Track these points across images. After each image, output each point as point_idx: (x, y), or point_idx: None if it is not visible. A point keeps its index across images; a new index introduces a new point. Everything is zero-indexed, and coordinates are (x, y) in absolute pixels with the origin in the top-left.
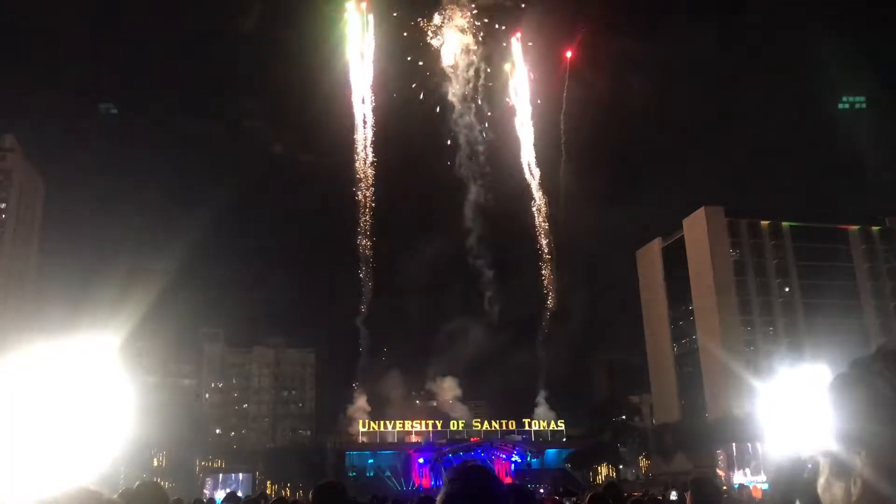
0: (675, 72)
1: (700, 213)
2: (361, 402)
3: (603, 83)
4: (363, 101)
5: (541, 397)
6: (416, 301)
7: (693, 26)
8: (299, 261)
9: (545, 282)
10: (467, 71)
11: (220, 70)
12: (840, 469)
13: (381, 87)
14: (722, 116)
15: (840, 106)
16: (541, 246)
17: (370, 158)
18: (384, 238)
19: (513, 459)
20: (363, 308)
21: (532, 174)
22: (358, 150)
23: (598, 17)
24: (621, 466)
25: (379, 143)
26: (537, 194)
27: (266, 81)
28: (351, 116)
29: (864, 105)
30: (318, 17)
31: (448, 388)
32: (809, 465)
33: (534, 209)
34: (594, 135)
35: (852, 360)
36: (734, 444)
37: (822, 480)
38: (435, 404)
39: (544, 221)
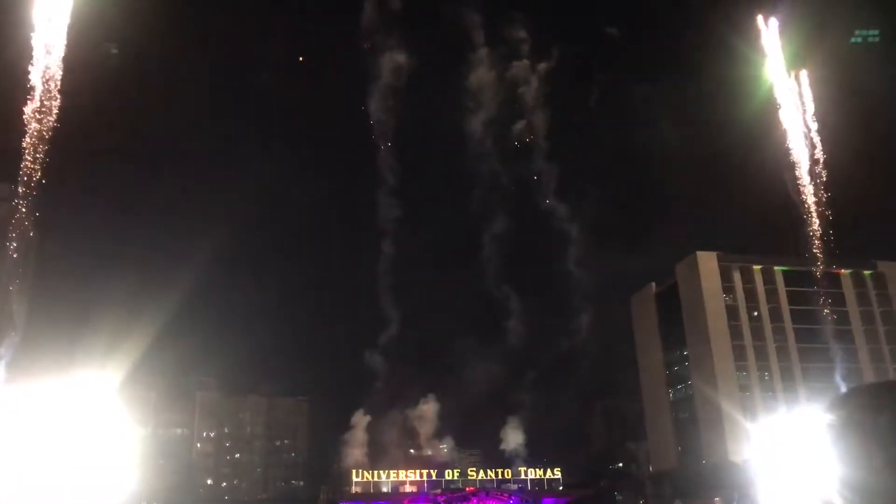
0: (669, 112)
1: (693, 258)
2: (355, 451)
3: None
4: None
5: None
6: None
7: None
8: (294, 308)
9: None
10: None
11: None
12: None
13: None
14: (713, 160)
15: None
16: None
17: None
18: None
19: None
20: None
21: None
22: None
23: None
24: None
25: None
26: None
27: None
28: None
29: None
30: None
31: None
32: None
33: None
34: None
35: (849, 394)
36: (732, 490)
37: None
38: (430, 453)
39: None
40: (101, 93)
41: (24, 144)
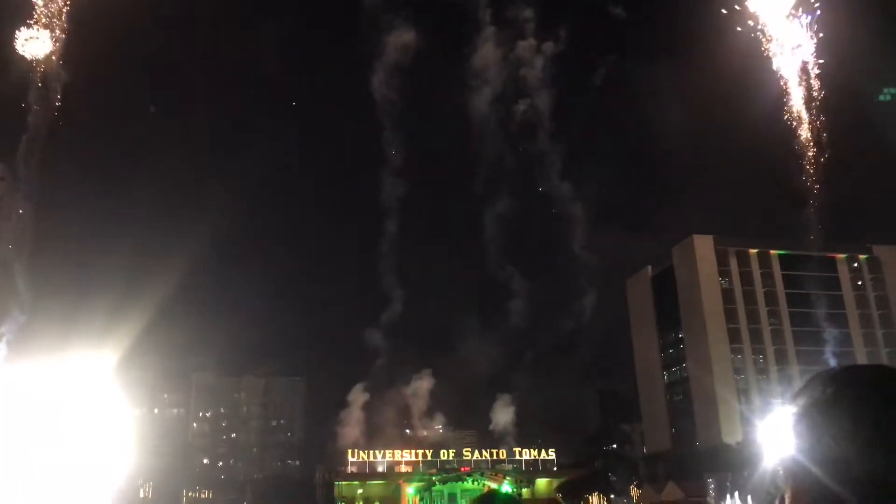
0: (672, 97)
1: (689, 242)
2: (351, 431)
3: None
4: None
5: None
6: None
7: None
8: (292, 289)
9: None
10: None
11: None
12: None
13: None
14: (714, 144)
15: None
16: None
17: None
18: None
19: (503, 489)
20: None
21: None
22: None
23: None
24: (612, 496)
25: None
26: None
27: None
28: None
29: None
30: None
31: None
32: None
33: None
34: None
35: (835, 374)
36: (725, 471)
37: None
38: (425, 433)
39: None
40: (101, 71)
41: (27, 120)
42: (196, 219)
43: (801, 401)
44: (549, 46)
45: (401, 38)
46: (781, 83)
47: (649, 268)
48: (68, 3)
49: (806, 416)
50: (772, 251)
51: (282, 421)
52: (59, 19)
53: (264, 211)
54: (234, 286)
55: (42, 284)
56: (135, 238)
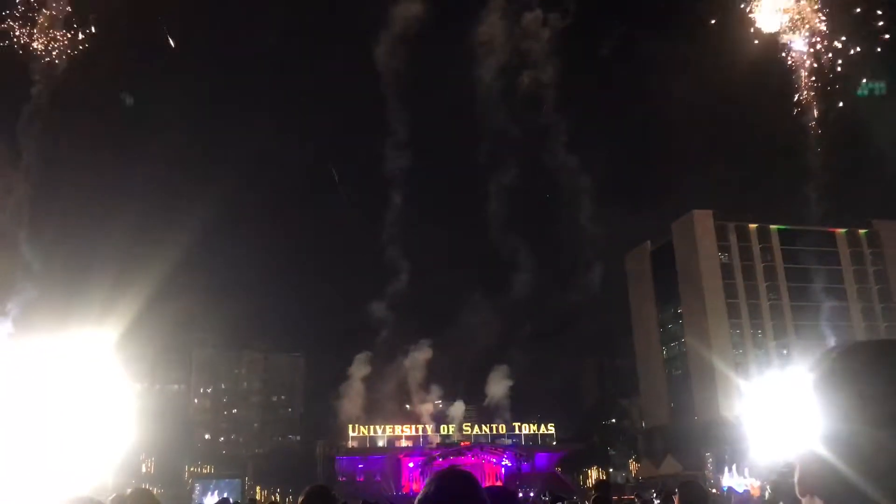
0: (677, 72)
1: (689, 217)
2: (352, 405)
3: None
4: None
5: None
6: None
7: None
8: (292, 263)
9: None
10: None
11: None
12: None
13: None
14: (712, 120)
15: None
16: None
17: None
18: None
19: (503, 464)
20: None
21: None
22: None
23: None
24: (611, 470)
25: None
26: None
27: None
28: None
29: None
30: None
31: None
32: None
33: None
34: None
35: (828, 355)
36: (723, 445)
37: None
38: (426, 408)
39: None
40: (102, 44)
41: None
42: (196, 193)
43: (809, 379)
44: (555, 18)
45: (405, 8)
46: (788, 60)
47: (648, 243)
48: None
49: (815, 394)
50: (771, 226)
51: (282, 396)
52: None
53: (264, 184)
54: (235, 260)
55: (43, 260)
56: (135, 214)
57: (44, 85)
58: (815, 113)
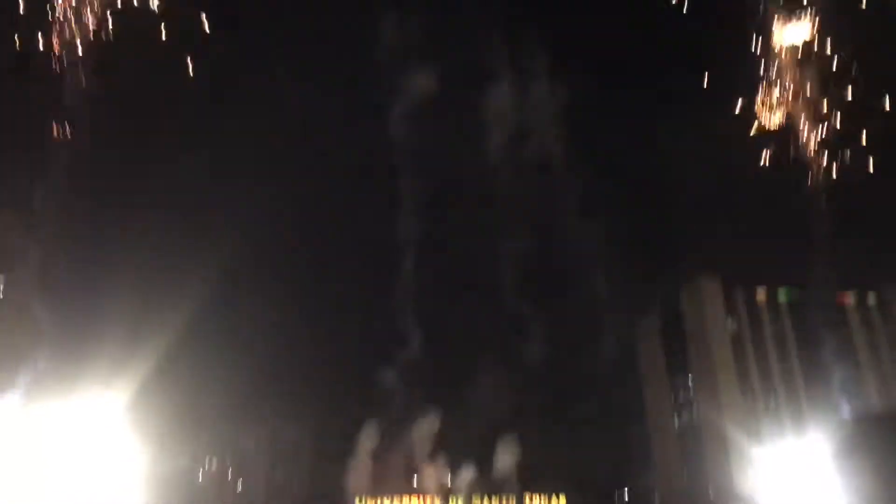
0: (685, 138)
1: (696, 285)
2: (358, 476)
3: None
4: None
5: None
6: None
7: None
8: (297, 333)
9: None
10: None
11: None
12: None
13: None
14: (722, 185)
15: None
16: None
17: None
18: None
19: None
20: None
21: None
22: None
23: None
24: None
25: None
26: None
27: None
28: None
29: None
30: None
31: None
32: None
33: None
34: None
35: (855, 421)
36: None
37: None
38: (434, 479)
39: None
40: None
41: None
42: (202, 258)
43: (827, 450)
44: (563, 88)
45: (417, 79)
46: (792, 123)
47: (657, 310)
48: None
49: (832, 465)
50: (780, 291)
51: (289, 468)
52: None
53: (272, 251)
54: (243, 325)
55: (55, 328)
56: (143, 279)
57: (58, 154)
58: (814, 177)
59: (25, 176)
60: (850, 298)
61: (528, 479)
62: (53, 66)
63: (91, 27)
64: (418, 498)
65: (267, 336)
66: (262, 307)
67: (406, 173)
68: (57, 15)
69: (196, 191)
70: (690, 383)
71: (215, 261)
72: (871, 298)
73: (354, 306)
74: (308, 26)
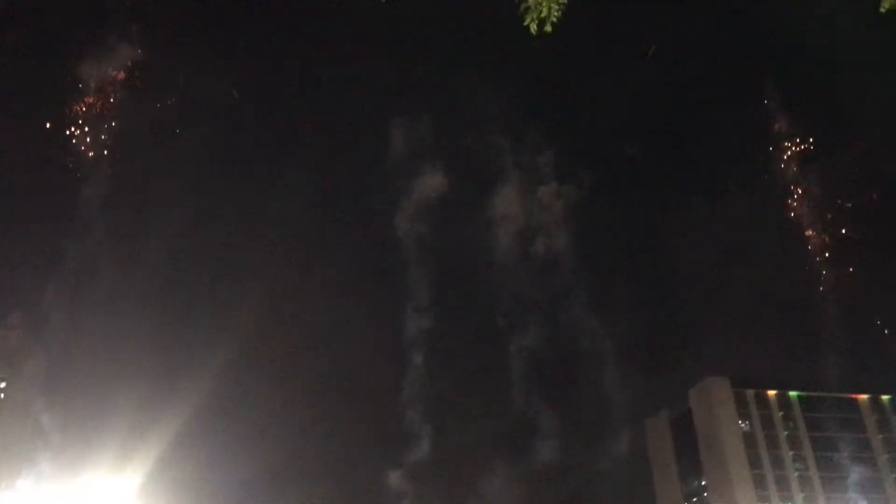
0: (693, 239)
1: (705, 384)
2: None
3: None
4: None
5: None
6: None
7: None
8: (304, 426)
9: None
10: None
11: None
12: None
13: None
14: (724, 284)
15: None
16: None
17: None
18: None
19: None
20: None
21: None
22: None
23: None
24: None
25: None
26: None
27: None
28: None
29: None
30: None
31: None
32: None
33: None
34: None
35: None
36: None
37: None
38: None
39: None
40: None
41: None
42: (206, 359)
43: None
44: (569, 189)
45: (425, 181)
46: (802, 228)
47: (667, 409)
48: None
49: None
50: (790, 393)
51: None
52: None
53: (280, 342)
54: (247, 424)
55: (52, 423)
56: (145, 378)
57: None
58: (826, 278)
59: (35, 278)
60: (862, 398)
61: None
62: (66, 176)
63: (107, 141)
64: None
65: (276, 441)
66: (267, 413)
67: (417, 271)
68: (73, 129)
69: (204, 290)
70: (703, 485)
71: (223, 357)
72: (884, 398)
73: (365, 405)
74: (319, 136)
